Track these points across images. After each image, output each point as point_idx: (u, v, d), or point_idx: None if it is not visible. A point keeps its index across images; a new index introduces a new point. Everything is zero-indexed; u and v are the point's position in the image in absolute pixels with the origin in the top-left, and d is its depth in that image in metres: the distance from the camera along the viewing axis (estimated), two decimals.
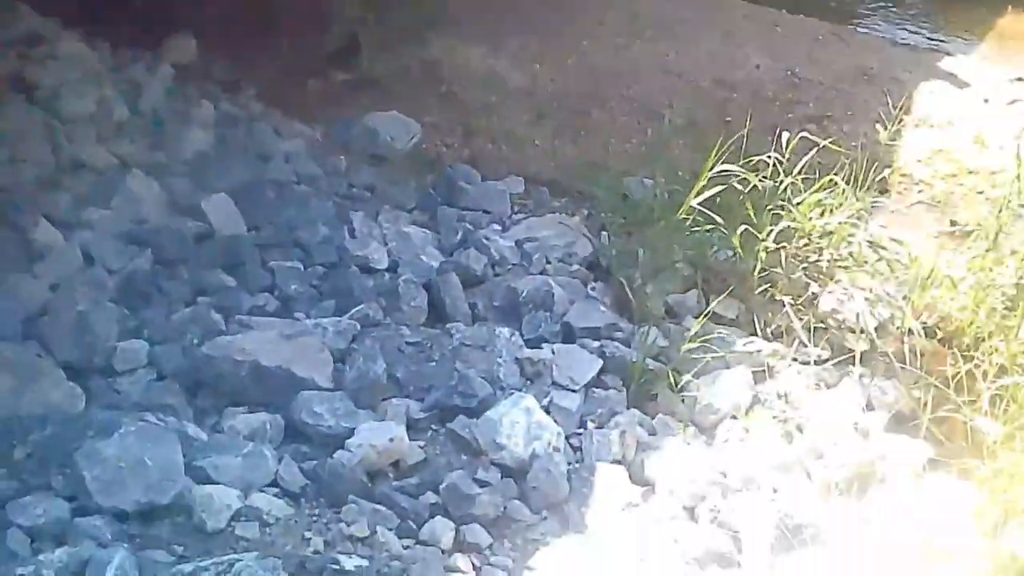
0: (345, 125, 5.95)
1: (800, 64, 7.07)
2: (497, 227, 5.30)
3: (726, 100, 6.61)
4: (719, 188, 4.80)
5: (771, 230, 4.81)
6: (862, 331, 4.65)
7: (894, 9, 8.67)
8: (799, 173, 5.14)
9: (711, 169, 4.85)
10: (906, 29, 8.39)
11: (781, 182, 5.05)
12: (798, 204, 5.03)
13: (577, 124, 6.27)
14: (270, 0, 6.91)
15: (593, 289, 4.82)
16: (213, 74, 6.31)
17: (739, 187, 5.08)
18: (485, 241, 4.94)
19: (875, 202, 5.49)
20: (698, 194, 4.79)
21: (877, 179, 5.90)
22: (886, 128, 6.32)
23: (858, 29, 8.11)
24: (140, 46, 6.34)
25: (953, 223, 5.66)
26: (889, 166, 6.12)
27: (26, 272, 4.02)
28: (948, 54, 7.61)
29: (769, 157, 5.17)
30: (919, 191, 5.98)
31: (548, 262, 5.04)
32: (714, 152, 5.00)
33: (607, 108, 6.44)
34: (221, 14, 6.79)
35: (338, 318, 4.02)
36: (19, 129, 4.85)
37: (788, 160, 5.19)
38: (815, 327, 4.72)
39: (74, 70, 5.39)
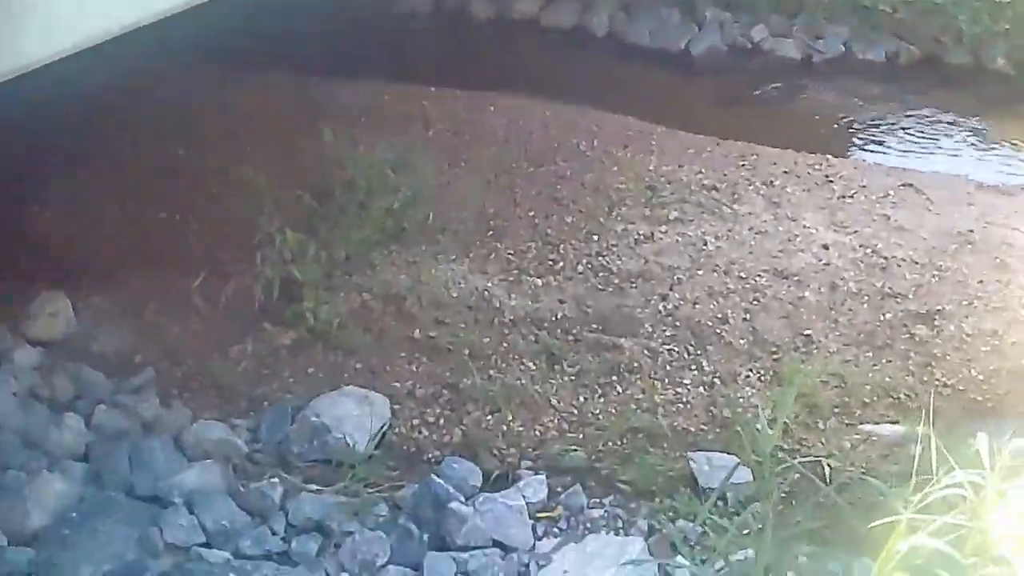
0: (279, 418, 4.14)
1: (879, 235, 5.39)
2: None
3: (797, 301, 4.89)
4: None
5: None
6: None
7: (947, 135, 7.04)
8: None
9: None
10: (975, 157, 6.76)
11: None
12: None
13: (606, 366, 4.50)
14: (175, 231, 5.22)
15: None
16: (95, 350, 4.53)
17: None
18: None
19: None
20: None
21: None
22: None
23: (923, 169, 6.44)
24: None
25: None
26: None
27: None
28: None
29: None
30: None
31: None
32: None
33: (641, 335, 4.69)
34: (106, 256, 5.08)
35: None
36: None
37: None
38: None
39: None
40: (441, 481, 3.78)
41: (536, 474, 3.96)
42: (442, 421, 4.24)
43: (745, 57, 8.30)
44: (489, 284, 4.89)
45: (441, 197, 5.45)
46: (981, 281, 4.99)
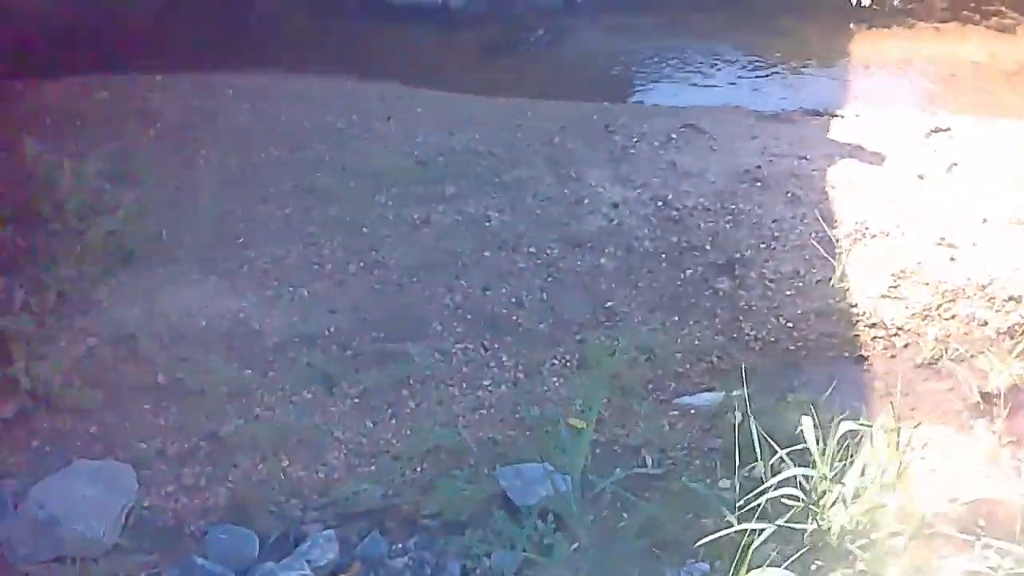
0: None
1: (667, 184, 5.04)
2: None
3: (594, 271, 4.46)
4: None
5: None
6: None
7: (718, 65, 6.80)
8: None
9: None
10: (751, 85, 6.54)
11: None
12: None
13: (393, 380, 3.91)
14: None
15: None
16: None
17: None
18: None
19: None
20: None
21: (843, 344, 3.98)
22: (832, 260, 4.39)
23: (702, 104, 6.14)
24: None
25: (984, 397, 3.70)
26: (851, 319, 4.18)
27: None
28: (830, 114, 5.83)
29: None
30: (904, 345, 4.03)
31: None
32: None
33: (430, 336, 4.12)
34: None
35: None
36: None
37: None
38: None
39: None
40: (204, 561, 3.09)
41: (325, 528, 3.32)
42: (203, 481, 3.51)
43: (507, 4, 7.77)
44: (243, 303, 4.16)
45: (175, 207, 4.65)
46: (776, 220, 4.73)
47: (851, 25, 7.05)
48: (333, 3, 7.55)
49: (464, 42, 7.35)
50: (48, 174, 4.47)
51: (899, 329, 4.10)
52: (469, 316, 4.18)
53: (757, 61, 6.70)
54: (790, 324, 4.15)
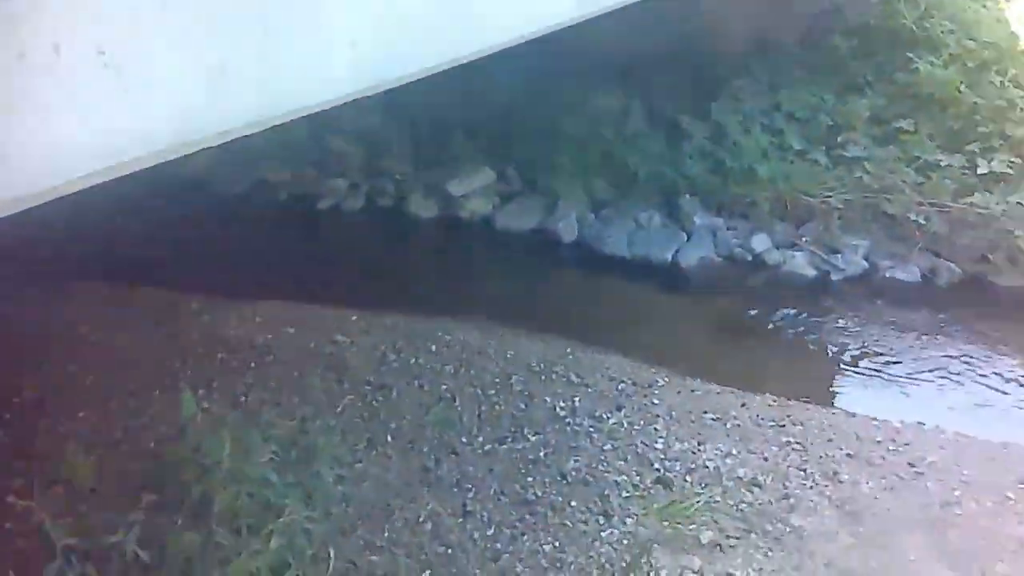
0: None
1: (1006, 567, 3.56)
2: None
3: None
4: None
5: None
6: None
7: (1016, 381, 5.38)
8: None
9: None
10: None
11: None
12: None
13: None
14: None
15: None
16: None
17: None
18: None
19: None
20: None
21: None
22: None
23: None
24: None
25: None
26: None
27: None
28: None
29: None
30: None
31: None
32: None
33: None
34: None
35: None
36: None
37: None
38: None
39: None
40: None
41: None
42: None
43: (746, 272, 6.71)
44: None
45: (350, 512, 3.51)
46: None
47: None
48: (553, 252, 6.71)
49: (697, 311, 6.26)
50: (204, 447, 3.47)
51: None
52: None
53: None
54: None
